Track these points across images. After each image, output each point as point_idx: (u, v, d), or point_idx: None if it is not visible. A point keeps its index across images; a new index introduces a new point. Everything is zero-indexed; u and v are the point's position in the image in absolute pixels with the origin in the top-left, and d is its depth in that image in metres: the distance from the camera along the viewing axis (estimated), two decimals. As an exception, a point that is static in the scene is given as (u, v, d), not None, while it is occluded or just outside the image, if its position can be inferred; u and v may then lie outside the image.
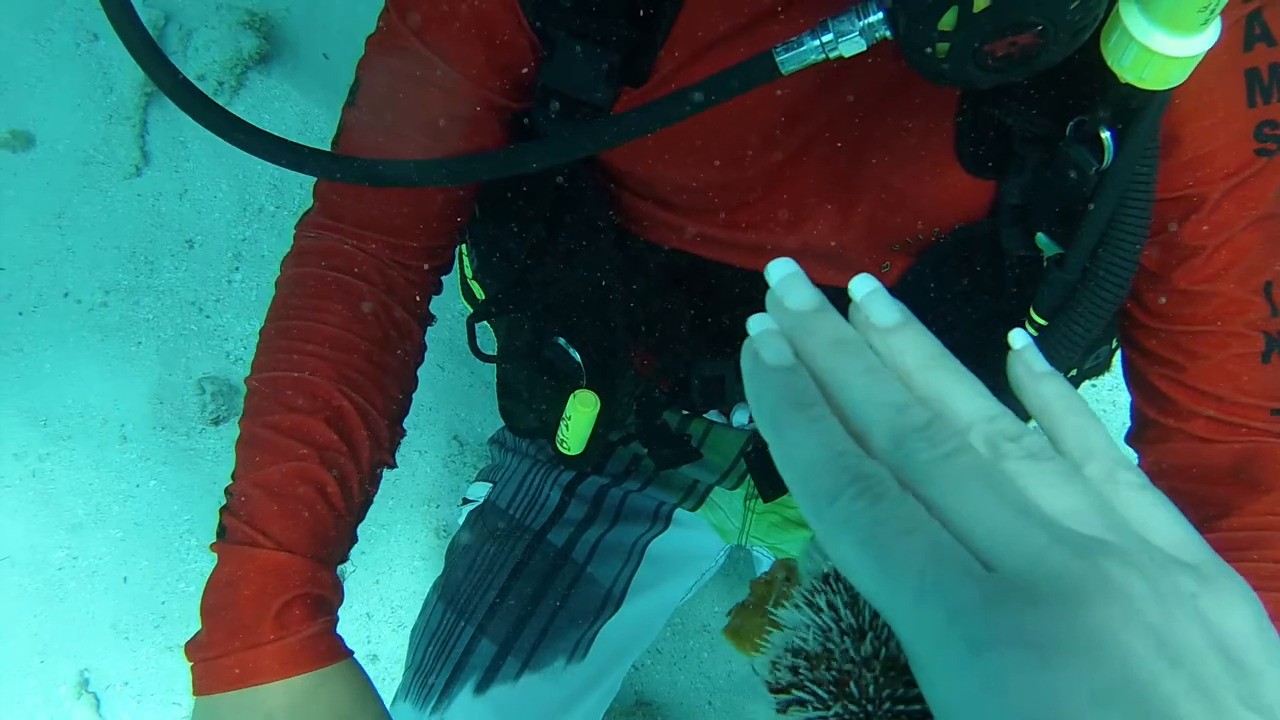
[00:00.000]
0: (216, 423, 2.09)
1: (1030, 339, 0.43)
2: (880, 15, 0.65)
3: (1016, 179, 0.83)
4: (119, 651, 1.99)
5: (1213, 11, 0.61)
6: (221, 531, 0.93)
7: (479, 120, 0.92)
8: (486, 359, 1.15)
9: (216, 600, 0.90)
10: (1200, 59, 0.64)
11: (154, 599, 2.02)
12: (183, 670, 2.01)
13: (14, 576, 2.01)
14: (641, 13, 0.81)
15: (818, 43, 0.66)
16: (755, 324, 0.41)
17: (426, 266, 1.03)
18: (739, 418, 1.17)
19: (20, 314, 2.20)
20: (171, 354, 2.15)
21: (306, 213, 1.03)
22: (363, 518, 1.01)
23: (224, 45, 2.30)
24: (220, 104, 0.80)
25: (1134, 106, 0.72)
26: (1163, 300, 0.86)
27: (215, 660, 0.87)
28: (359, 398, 0.96)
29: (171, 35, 2.39)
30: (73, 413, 2.12)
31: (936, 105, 0.82)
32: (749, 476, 1.25)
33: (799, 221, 0.92)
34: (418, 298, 1.03)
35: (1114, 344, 1.12)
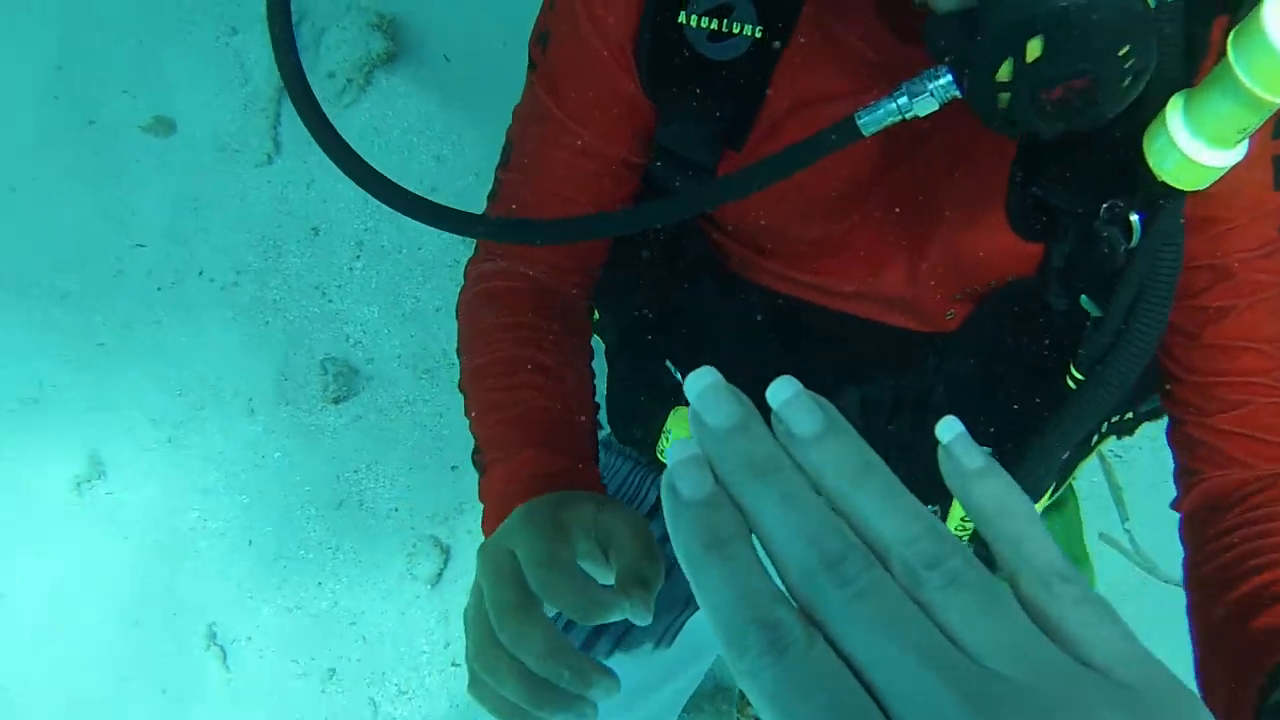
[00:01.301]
0: (337, 401, 2.28)
1: (961, 429, 0.43)
2: (949, 77, 0.74)
3: (1060, 246, 0.94)
4: (244, 609, 2.20)
5: (1248, 132, 0.71)
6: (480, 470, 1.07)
7: (615, 175, 1.07)
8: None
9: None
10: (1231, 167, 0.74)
11: (277, 563, 2.22)
12: (302, 628, 2.22)
13: (152, 534, 2.22)
14: (739, 85, 0.95)
15: (894, 105, 0.76)
16: (675, 451, 0.39)
17: (583, 289, 1.18)
18: None
19: (159, 289, 2.41)
20: (297, 334, 2.34)
21: (472, 257, 1.18)
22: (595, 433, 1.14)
23: (354, 45, 2.46)
24: (377, 170, 0.92)
25: (1163, 197, 0.82)
26: (1196, 356, 0.97)
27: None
28: (565, 368, 1.11)
29: (305, 33, 2.56)
30: (206, 384, 2.32)
31: (993, 175, 0.93)
32: None
33: (874, 271, 1.04)
34: (583, 302, 1.19)
35: (1131, 414, 1.24)
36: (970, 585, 0.35)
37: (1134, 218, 0.84)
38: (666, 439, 1.21)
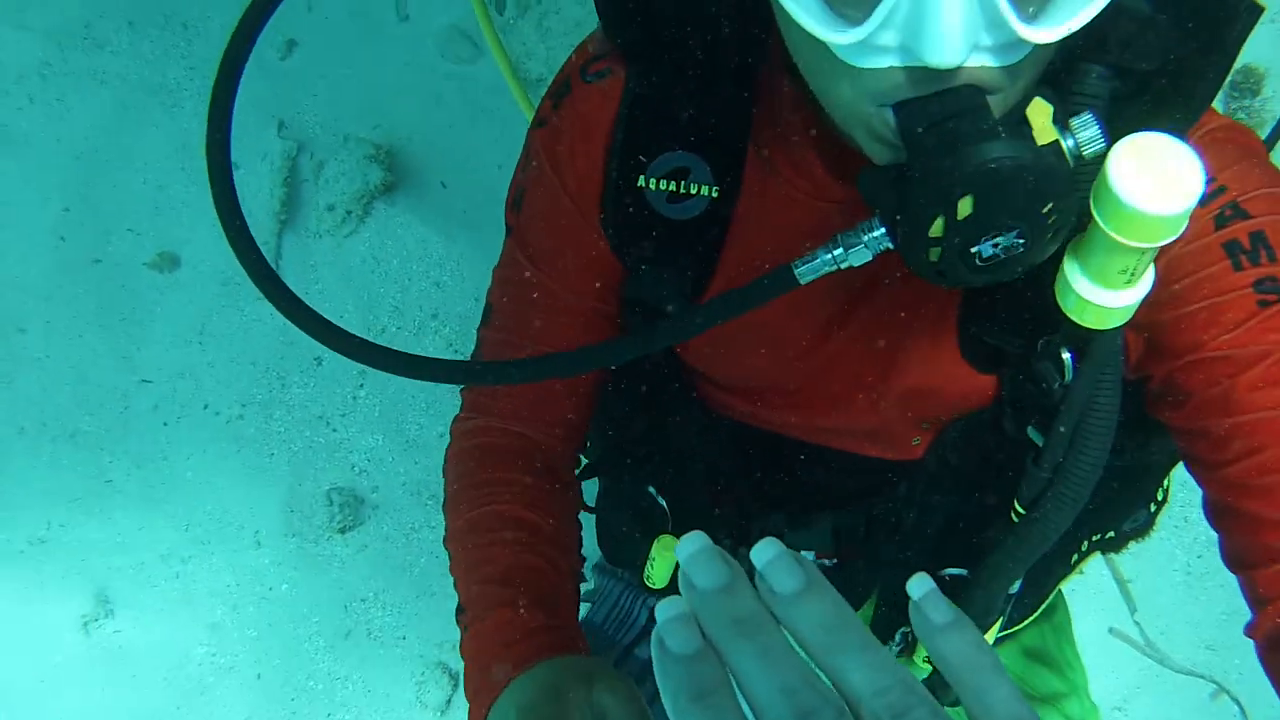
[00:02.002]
0: (343, 531, 2.32)
1: (932, 586, 0.45)
2: (882, 230, 0.77)
3: (1011, 375, 0.97)
4: (254, 745, 2.21)
5: (1134, 275, 0.74)
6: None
7: (590, 326, 1.11)
8: (589, 510, 1.35)
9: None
10: (1137, 306, 0.77)
11: (284, 695, 2.24)
12: (310, 763, 2.23)
13: (160, 671, 2.25)
14: (699, 241, 0.99)
15: (830, 256, 0.79)
16: (663, 610, 0.43)
17: (566, 442, 1.22)
18: (806, 555, 1.34)
19: (165, 424, 2.46)
20: (301, 465, 2.39)
21: (457, 415, 1.23)
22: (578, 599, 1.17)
23: (353, 177, 2.55)
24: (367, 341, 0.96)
25: (1087, 334, 0.83)
26: (1219, 451, 0.92)
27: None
28: (547, 518, 1.15)
29: (304, 165, 2.65)
30: (212, 518, 2.36)
31: (945, 313, 0.97)
32: None
33: (839, 407, 1.09)
34: (568, 453, 1.23)
35: (1151, 508, 1.25)
36: None
37: (1065, 355, 0.87)
38: (652, 565, 1.24)
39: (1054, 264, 0.79)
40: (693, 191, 0.95)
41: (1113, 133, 0.73)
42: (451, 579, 1.12)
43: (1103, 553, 1.26)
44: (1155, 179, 0.68)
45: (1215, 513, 0.95)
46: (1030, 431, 0.95)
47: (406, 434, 2.41)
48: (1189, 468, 0.98)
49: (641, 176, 0.95)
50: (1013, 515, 0.97)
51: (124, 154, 2.70)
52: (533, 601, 1.03)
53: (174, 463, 2.41)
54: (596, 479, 1.41)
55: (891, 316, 0.98)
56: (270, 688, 2.24)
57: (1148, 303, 0.79)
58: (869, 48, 0.68)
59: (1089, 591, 2.26)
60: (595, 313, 1.10)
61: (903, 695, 0.39)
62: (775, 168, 0.95)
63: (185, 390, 2.48)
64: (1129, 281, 0.75)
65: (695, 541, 0.44)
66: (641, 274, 1.02)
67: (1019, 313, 0.90)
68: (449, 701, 2.25)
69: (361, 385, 2.45)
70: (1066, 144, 0.73)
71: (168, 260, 2.61)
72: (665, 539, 1.22)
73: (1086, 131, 0.73)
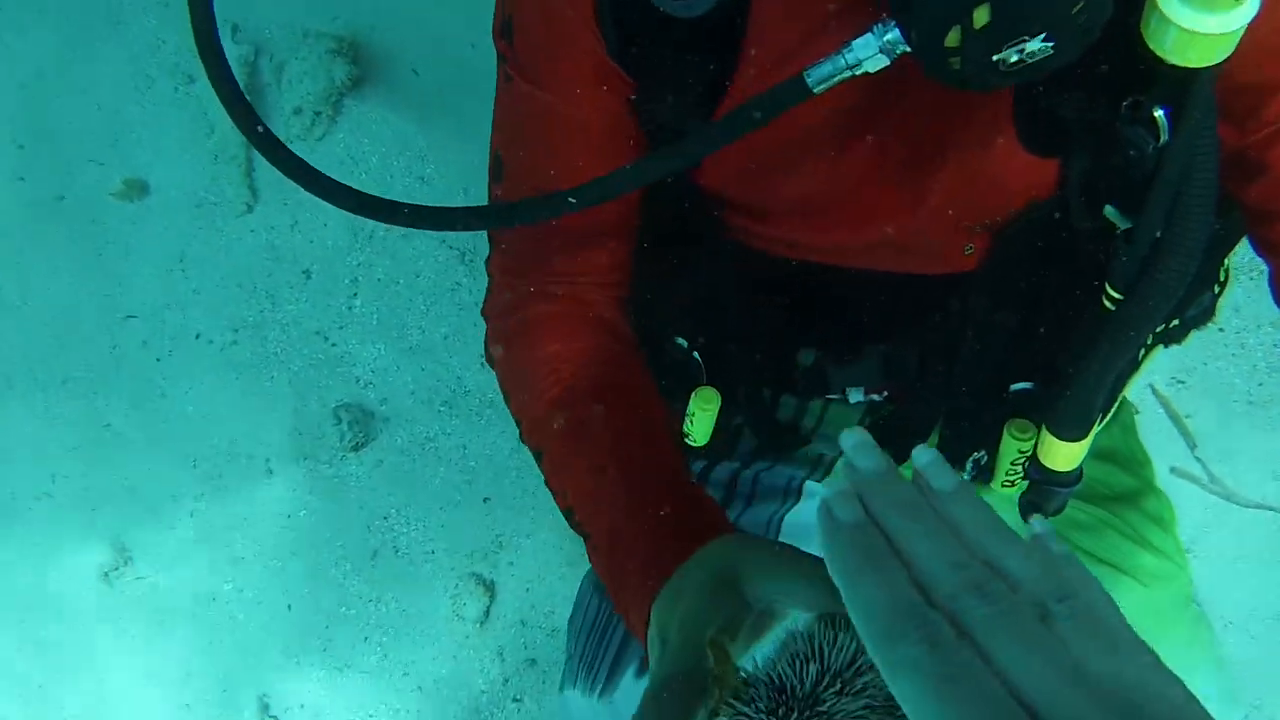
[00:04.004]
0: (356, 449, 2.26)
1: (935, 454, 0.52)
2: (897, 32, 0.72)
3: (1079, 157, 0.89)
4: (293, 675, 2.18)
5: None
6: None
7: (614, 150, 1.01)
8: None
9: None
10: (1244, 30, 0.69)
11: (318, 623, 2.21)
12: (355, 687, 2.20)
13: (188, 612, 2.22)
14: (711, 42, 0.90)
15: (843, 62, 0.74)
16: (830, 485, 0.52)
17: (615, 294, 1.13)
18: (854, 395, 1.26)
19: (158, 360, 2.39)
20: (304, 385, 2.32)
21: (489, 294, 1.13)
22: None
23: (317, 76, 2.42)
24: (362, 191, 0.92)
25: (1185, 82, 0.76)
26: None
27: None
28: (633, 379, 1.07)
29: (264, 68, 2.53)
30: (219, 451, 2.30)
31: (996, 96, 0.88)
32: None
33: (880, 218, 1.00)
34: (620, 314, 1.14)
35: (1216, 289, 1.18)
36: (1091, 625, 0.44)
37: (1158, 113, 0.79)
38: (691, 421, 1.17)
39: (1134, 7, 0.72)
40: None
41: None
42: (492, 452, 1.05)
43: (1165, 345, 1.19)
44: None
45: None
46: (1109, 213, 0.88)
47: (409, 339, 2.33)
48: (1258, 247, 0.94)
49: None
50: (1105, 304, 0.90)
51: (73, 82, 2.59)
52: (654, 482, 0.95)
53: (172, 399, 2.35)
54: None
55: (935, 104, 0.90)
56: (303, 618, 2.21)
57: (1229, 62, 0.71)
58: None
59: (1145, 432, 2.17)
60: (615, 133, 1.01)
61: (1059, 584, 0.44)
62: None
63: (173, 321, 2.41)
64: (1230, 2, 0.67)
65: (856, 434, 0.51)
66: (652, 87, 0.94)
67: (1097, 73, 0.82)
68: (487, 612, 2.21)
69: (355, 294, 2.36)
70: None
71: (135, 188, 2.51)
72: (704, 391, 1.15)
73: None
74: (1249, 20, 0.68)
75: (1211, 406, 2.18)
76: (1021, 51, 0.67)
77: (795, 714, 0.64)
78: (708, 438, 1.17)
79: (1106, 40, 0.74)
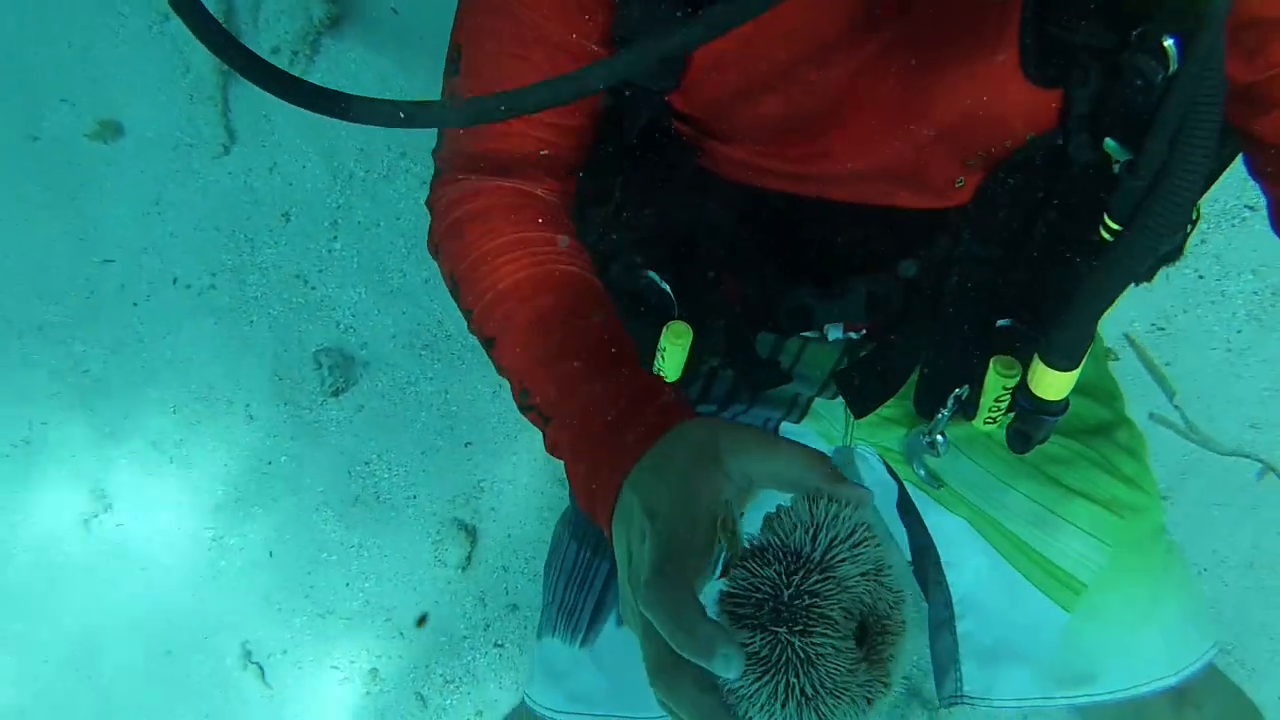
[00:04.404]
0: (336, 394, 2.23)
1: None
2: None
3: (1082, 89, 0.88)
4: (275, 622, 2.18)
5: None
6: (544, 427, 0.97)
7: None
8: None
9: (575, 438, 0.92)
10: None
11: (299, 570, 2.20)
12: (337, 634, 2.19)
13: (169, 559, 2.21)
14: None
15: None
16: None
17: (564, 196, 1.11)
18: (832, 333, 1.24)
19: (135, 304, 2.36)
20: (284, 329, 2.29)
21: (436, 185, 1.10)
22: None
23: (294, 14, 2.37)
24: (299, 77, 0.87)
25: (1196, 11, 0.75)
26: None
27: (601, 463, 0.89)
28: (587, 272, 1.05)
29: (241, 6, 2.47)
30: (198, 397, 2.28)
31: (998, 20, 0.87)
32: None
33: (872, 144, 0.98)
34: (569, 217, 1.11)
35: (1188, 228, 1.16)
36: None
37: (1168, 42, 0.78)
38: (662, 357, 1.15)
39: None
40: None
41: None
42: (473, 395, 1.02)
43: (1135, 283, 1.16)
44: None
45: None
46: (1109, 145, 0.87)
47: (390, 283, 2.30)
48: (1260, 178, 0.94)
49: None
50: (1103, 235, 0.88)
51: (41, 19, 2.53)
52: (616, 366, 0.94)
53: (150, 344, 2.32)
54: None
55: (934, 24, 0.88)
56: (284, 564, 2.20)
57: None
58: None
59: (1125, 378, 2.16)
60: (587, 54, 0.97)
61: None
62: None
63: (150, 266, 2.38)
64: None
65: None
66: (630, 5, 0.91)
67: (1106, 2, 0.81)
68: (469, 557, 2.20)
69: (335, 237, 2.32)
70: None
71: (109, 129, 2.46)
72: (676, 325, 1.12)
73: None
74: None
75: (1190, 354, 2.16)
76: None
77: (811, 576, 0.69)
78: (679, 373, 1.15)
79: None
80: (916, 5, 0.87)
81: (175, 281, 2.36)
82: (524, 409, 0.98)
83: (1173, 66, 0.78)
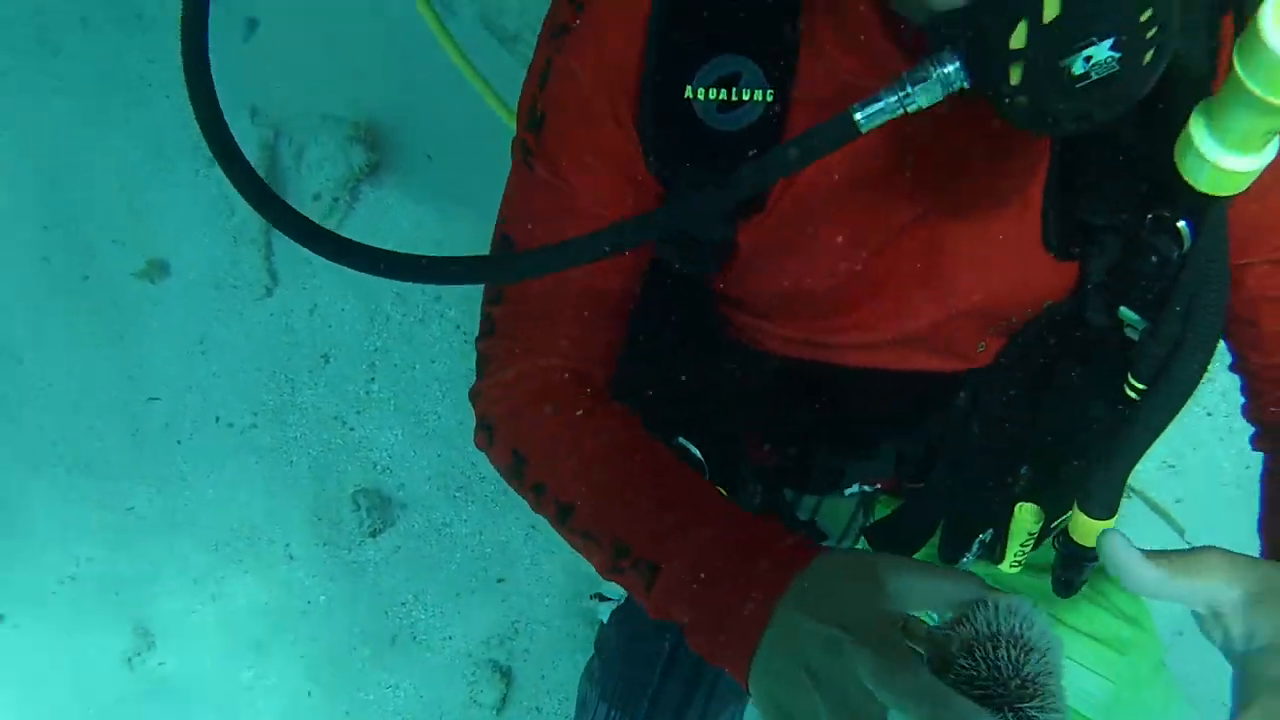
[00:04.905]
0: (374, 534, 2.30)
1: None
2: (957, 63, 0.70)
3: (1099, 261, 0.94)
4: (313, 763, 2.23)
5: (1275, 133, 0.70)
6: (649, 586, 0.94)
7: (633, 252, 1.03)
8: None
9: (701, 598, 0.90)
10: (1260, 172, 0.74)
11: (338, 709, 2.26)
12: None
13: (210, 699, 2.27)
14: (750, 153, 0.91)
15: (895, 98, 0.71)
16: None
17: (607, 373, 1.12)
18: (849, 488, 1.29)
19: (179, 442, 2.44)
20: (323, 469, 2.37)
21: (483, 376, 1.11)
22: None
23: (336, 161, 2.47)
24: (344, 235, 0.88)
25: (1207, 199, 0.79)
26: (1261, 334, 0.99)
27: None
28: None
29: (284, 151, 2.58)
30: (240, 535, 2.35)
31: (1022, 198, 0.93)
32: (862, 539, 1.37)
33: (899, 318, 1.03)
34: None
35: None
36: None
37: (1182, 224, 0.85)
38: None
39: (1159, 125, 0.77)
40: (745, 98, 0.89)
41: None
42: (576, 540, 1.00)
43: None
44: None
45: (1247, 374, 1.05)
46: (1124, 312, 0.94)
47: (426, 425, 2.37)
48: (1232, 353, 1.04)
49: (688, 87, 0.89)
50: (1129, 394, 0.96)
51: (95, 162, 2.65)
52: (720, 506, 0.94)
53: (193, 482, 2.40)
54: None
55: (960, 202, 0.93)
56: (322, 704, 2.26)
57: None
58: None
59: (1135, 516, 2.21)
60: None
61: None
62: (832, 58, 0.88)
63: (194, 404, 2.46)
64: (1267, 143, 0.72)
65: None
66: (683, 192, 0.96)
67: (1128, 183, 0.87)
68: (504, 699, 2.25)
69: (373, 379, 2.41)
70: None
71: (157, 268, 2.57)
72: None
73: None
74: (1265, 165, 0.73)
75: (1200, 490, 2.21)
76: (1089, 61, 0.66)
77: (1031, 658, 0.75)
78: None
79: (1142, 151, 0.81)
80: (943, 183, 0.93)
81: (218, 420, 2.45)
82: (614, 571, 0.96)
83: (1186, 246, 0.85)
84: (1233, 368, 1.07)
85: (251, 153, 2.54)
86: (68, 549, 2.38)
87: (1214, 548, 0.81)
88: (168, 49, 2.71)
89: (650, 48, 0.90)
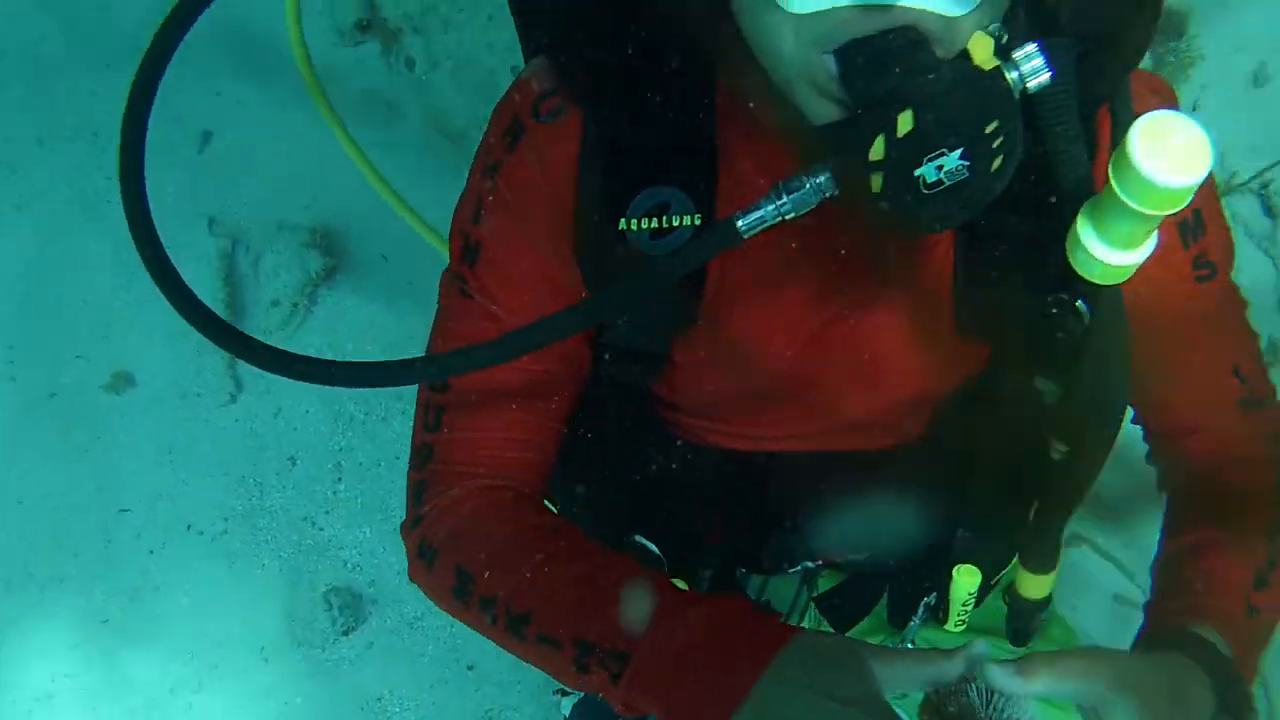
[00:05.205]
0: (347, 633, 2.34)
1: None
2: (826, 174, 0.78)
3: (1009, 340, 1.02)
4: None
5: (1151, 230, 0.80)
6: (615, 678, 0.93)
7: (571, 372, 1.08)
8: None
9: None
10: (1141, 264, 0.83)
11: (318, 813, 2.27)
12: None
13: (191, 810, 2.28)
14: (685, 277, 0.96)
15: (772, 206, 0.79)
16: None
17: (544, 486, 1.17)
18: (795, 566, 1.36)
19: (151, 552, 2.48)
20: (294, 571, 2.41)
21: (419, 505, 1.14)
22: None
23: (293, 269, 2.55)
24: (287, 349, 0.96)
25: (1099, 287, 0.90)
26: (1155, 395, 1.11)
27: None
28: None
29: (241, 260, 2.65)
30: (215, 642, 2.38)
31: (934, 289, 1.01)
32: (810, 611, 1.42)
33: (833, 408, 1.11)
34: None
35: None
36: None
37: (1080, 304, 0.94)
38: None
39: (1056, 223, 0.85)
40: (675, 224, 0.95)
41: (1062, 80, 0.79)
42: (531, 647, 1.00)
43: None
44: (1170, 154, 0.74)
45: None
46: (1038, 381, 1.02)
47: (393, 521, 2.40)
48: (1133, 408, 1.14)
49: (623, 220, 0.95)
50: (1053, 455, 1.04)
51: (58, 278, 2.72)
52: (685, 596, 0.97)
53: (167, 591, 2.43)
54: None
55: (881, 302, 1.01)
56: (303, 804, 2.27)
57: None
58: None
59: (1084, 562, 2.27)
60: (573, 359, 1.07)
61: None
62: (748, 176, 0.95)
63: (164, 513, 2.50)
64: (1143, 241, 0.81)
65: None
66: (625, 319, 1.02)
67: (1028, 272, 0.95)
68: (482, 791, 2.27)
69: (339, 479, 2.46)
70: (1010, 75, 0.77)
71: (122, 380, 2.63)
72: (675, 584, 1.22)
73: (1030, 63, 0.77)
74: (1145, 258, 0.82)
75: (1148, 533, 2.26)
76: (940, 169, 0.75)
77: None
78: None
79: (1039, 248, 0.90)
80: (861, 282, 1.00)
81: (189, 528, 2.49)
82: (580, 670, 0.95)
83: (1087, 320, 0.94)
84: (1134, 420, 1.15)
85: (210, 263, 2.61)
86: (44, 667, 2.39)
87: (1077, 650, 0.88)
88: (124, 166, 2.79)
89: (583, 184, 0.97)
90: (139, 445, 2.56)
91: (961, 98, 0.74)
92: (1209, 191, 1.02)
